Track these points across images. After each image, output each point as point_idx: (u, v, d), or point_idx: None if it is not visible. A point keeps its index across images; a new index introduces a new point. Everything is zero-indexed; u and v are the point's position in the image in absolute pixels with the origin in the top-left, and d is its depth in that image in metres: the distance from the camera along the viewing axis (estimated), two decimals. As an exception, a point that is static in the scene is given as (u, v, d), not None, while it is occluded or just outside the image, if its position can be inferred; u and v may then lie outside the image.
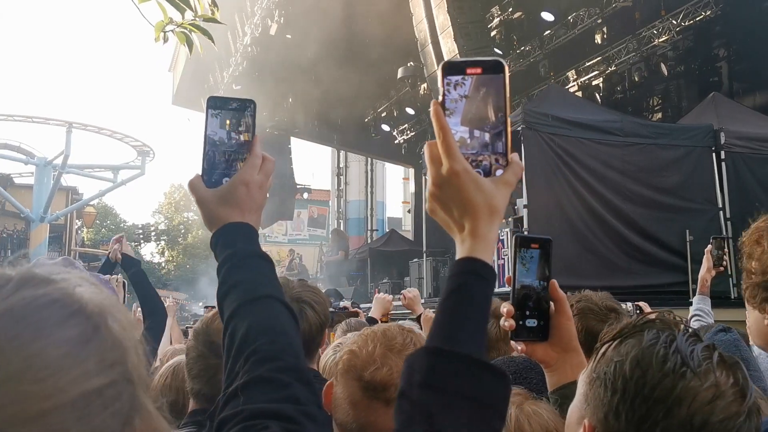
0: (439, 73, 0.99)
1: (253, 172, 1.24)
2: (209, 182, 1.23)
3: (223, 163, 1.24)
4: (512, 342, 1.45)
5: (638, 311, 3.73)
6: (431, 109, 0.98)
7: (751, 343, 1.86)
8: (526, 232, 10.02)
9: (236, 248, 1.19)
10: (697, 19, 14.12)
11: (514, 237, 1.44)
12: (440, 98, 0.98)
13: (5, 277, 0.69)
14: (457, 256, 0.98)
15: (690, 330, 1.08)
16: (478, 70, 0.98)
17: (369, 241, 29.31)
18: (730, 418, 0.99)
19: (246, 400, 0.99)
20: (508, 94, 0.98)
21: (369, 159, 31.82)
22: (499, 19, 18.32)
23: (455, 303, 0.94)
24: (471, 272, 0.95)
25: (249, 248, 1.20)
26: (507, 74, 0.98)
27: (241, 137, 1.25)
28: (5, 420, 0.59)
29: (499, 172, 0.99)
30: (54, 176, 32.13)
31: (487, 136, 0.98)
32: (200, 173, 1.24)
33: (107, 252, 3.93)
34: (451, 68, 0.99)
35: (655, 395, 1.00)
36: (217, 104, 1.24)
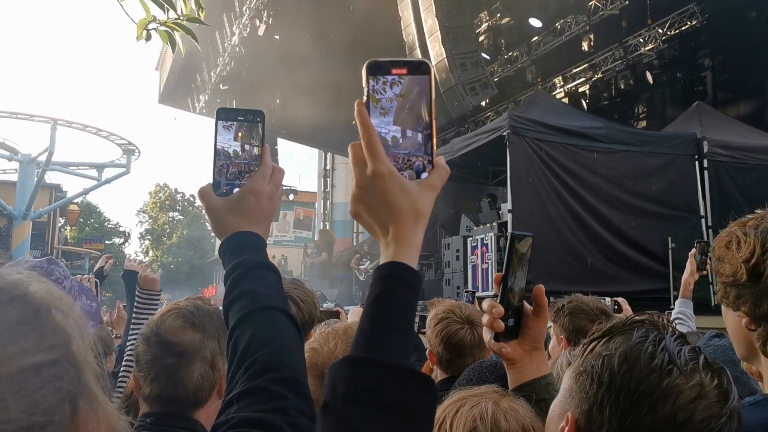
0: (363, 73, 0.97)
1: (263, 182, 1.26)
2: (220, 192, 1.25)
3: (233, 173, 1.26)
4: (494, 343, 1.43)
5: (616, 306, 3.78)
6: (355, 109, 0.96)
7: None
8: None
9: (243, 258, 1.20)
10: (683, 28, 14.27)
11: (510, 235, 1.42)
12: (364, 98, 0.96)
13: None
14: (381, 261, 0.95)
15: (678, 332, 1.10)
16: (403, 71, 0.97)
17: (355, 243, 29.27)
18: (712, 418, 1.00)
19: (238, 409, 1.02)
20: (433, 96, 0.97)
21: (356, 161, 31.71)
22: (487, 24, 18.44)
23: (379, 310, 0.91)
24: (395, 277, 0.93)
25: (256, 258, 1.21)
26: (432, 75, 0.97)
27: (252, 148, 1.27)
28: None
29: (424, 175, 0.97)
30: (38, 173, 31.81)
31: (419, 137, 0.97)
32: (211, 182, 1.26)
33: (98, 263, 3.96)
34: (375, 68, 0.97)
35: (641, 390, 1.02)
36: (226, 115, 1.27)
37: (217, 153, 1.25)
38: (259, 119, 1.28)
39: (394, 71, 0.97)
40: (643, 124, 17.37)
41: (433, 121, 0.97)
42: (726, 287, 1.52)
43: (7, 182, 34.94)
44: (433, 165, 0.97)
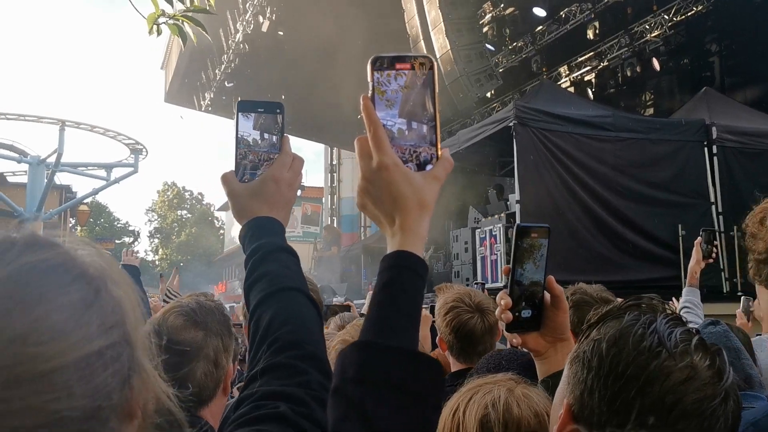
0: (368, 68, 0.99)
1: (283, 170, 1.30)
2: (241, 179, 1.31)
3: (254, 161, 1.31)
4: (507, 333, 1.45)
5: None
6: (361, 103, 0.98)
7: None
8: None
9: (263, 241, 1.25)
10: (689, 14, 14.16)
11: (515, 227, 1.43)
12: (369, 92, 0.98)
13: (10, 240, 0.71)
14: (388, 250, 0.98)
15: (673, 314, 1.07)
16: (407, 66, 0.99)
17: (363, 237, 29.30)
18: (704, 399, 0.97)
19: (262, 383, 1.05)
20: (437, 90, 0.99)
21: (362, 155, 31.67)
22: (491, 14, 18.36)
23: (387, 297, 0.94)
24: (402, 266, 0.95)
25: (275, 242, 1.26)
26: (436, 70, 0.99)
27: (271, 137, 1.32)
28: (10, 379, 0.62)
29: (429, 167, 0.99)
30: (47, 175, 31.96)
31: (424, 128, 0.99)
32: (234, 169, 1.31)
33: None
34: (379, 63, 0.99)
35: (629, 373, 0.99)
36: (247, 107, 1.32)
37: (239, 142, 1.31)
38: (278, 110, 1.33)
39: (398, 66, 0.98)
40: (651, 111, 17.28)
41: (437, 114, 0.99)
42: (759, 264, 1.49)
43: (18, 184, 35.13)
44: (438, 157, 1.00)
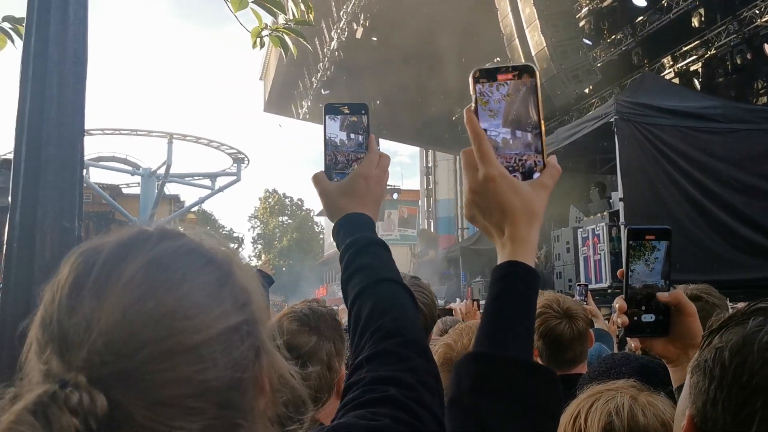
0: (470, 81, 1.00)
1: (371, 167, 1.36)
2: (331, 177, 1.36)
3: (343, 161, 1.37)
4: (628, 338, 1.42)
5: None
6: (465, 116, 0.99)
7: None
8: (623, 226, 9.71)
9: (357, 236, 1.29)
10: (804, -6, 13.24)
11: (625, 229, 1.41)
12: (472, 105, 0.99)
13: (146, 232, 0.80)
14: (499, 261, 0.99)
15: None
16: (509, 76, 1.00)
17: (460, 239, 29.14)
18: None
19: (369, 369, 1.08)
20: (540, 97, 0.99)
21: (458, 157, 31.61)
22: (587, 8, 17.86)
23: (499, 308, 0.95)
24: (513, 276, 0.96)
25: (368, 236, 1.30)
26: (538, 78, 1.00)
27: (357, 137, 1.38)
28: (165, 351, 0.68)
29: (536, 175, 1.00)
30: (158, 186, 33.72)
31: (529, 136, 1.00)
32: (324, 170, 1.37)
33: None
34: (482, 76, 1.00)
35: (754, 383, 0.93)
36: (333, 109, 1.38)
37: (327, 143, 1.36)
38: (363, 111, 1.39)
39: (500, 77, 1.00)
40: (764, 100, 16.28)
41: (542, 121, 1.00)
42: None
43: (132, 195, 37.29)
44: (545, 164, 1.00)
